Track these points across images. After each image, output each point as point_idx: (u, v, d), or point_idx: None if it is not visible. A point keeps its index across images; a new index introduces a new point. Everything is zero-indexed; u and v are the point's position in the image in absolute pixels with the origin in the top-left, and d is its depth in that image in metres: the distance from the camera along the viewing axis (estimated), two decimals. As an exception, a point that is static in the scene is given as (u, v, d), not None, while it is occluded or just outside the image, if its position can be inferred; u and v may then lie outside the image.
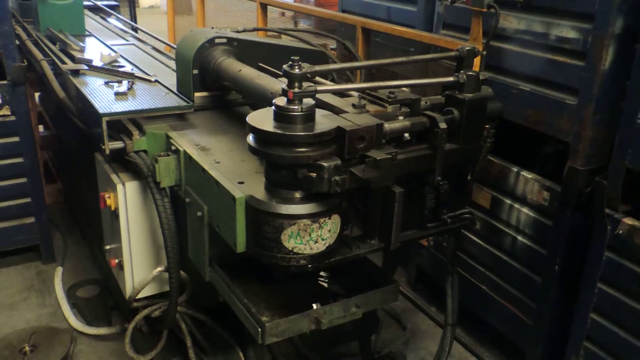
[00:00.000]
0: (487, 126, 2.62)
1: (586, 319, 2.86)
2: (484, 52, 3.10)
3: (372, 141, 2.12)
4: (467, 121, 2.37)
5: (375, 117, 2.22)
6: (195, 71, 2.99)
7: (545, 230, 3.07)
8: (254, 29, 3.64)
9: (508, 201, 3.25)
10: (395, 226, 2.28)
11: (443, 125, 2.29)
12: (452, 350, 3.51)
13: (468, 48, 2.53)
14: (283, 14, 8.26)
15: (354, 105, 2.30)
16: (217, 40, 2.98)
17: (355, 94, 2.51)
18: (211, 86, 3.06)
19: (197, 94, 3.06)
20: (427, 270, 4.00)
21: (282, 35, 4.17)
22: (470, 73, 2.39)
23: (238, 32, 3.19)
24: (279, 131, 2.03)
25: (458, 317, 2.95)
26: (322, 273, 2.86)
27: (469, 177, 2.62)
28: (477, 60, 3.09)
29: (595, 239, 2.79)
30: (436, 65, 3.63)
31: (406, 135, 2.34)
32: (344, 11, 4.68)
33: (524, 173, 3.14)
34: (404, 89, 2.55)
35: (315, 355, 3.33)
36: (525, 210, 3.17)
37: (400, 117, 2.38)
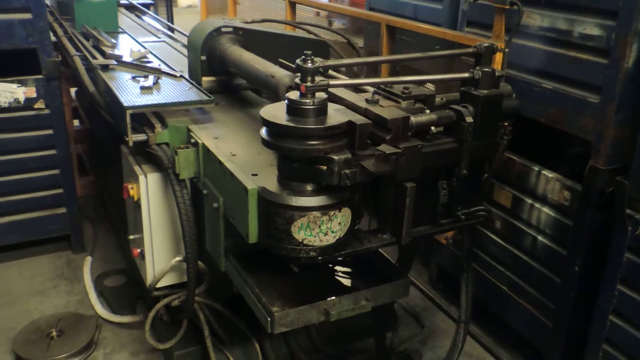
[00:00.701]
0: (505, 124, 2.61)
1: (605, 321, 2.82)
2: (507, 50, 3.07)
3: (398, 134, 2.15)
4: (482, 117, 2.36)
5: (403, 110, 2.25)
6: (203, 57, 3.19)
7: (566, 230, 3.03)
8: (262, 20, 3.92)
9: (529, 201, 3.22)
10: (406, 221, 2.29)
11: (469, 119, 2.31)
12: (471, 350, 3.51)
13: (486, 45, 2.51)
14: (318, 14, 8.33)
15: (367, 100, 2.32)
16: (223, 29, 3.19)
17: (370, 89, 2.52)
18: (217, 71, 3.27)
19: (204, 78, 3.26)
20: (449, 269, 3.99)
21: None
22: (486, 69, 2.38)
23: (247, 23, 3.27)
24: (290, 124, 2.06)
25: (472, 315, 2.93)
26: (339, 268, 2.89)
27: (485, 174, 2.61)
28: (499, 58, 3.07)
29: (615, 240, 2.75)
30: (462, 63, 3.62)
31: (433, 128, 2.35)
32: (371, 9, 4.69)
33: (545, 172, 3.11)
34: (428, 85, 2.56)
35: (331, 349, 3.36)
36: (545, 209, 3.13)
37: (427, 111, 2.40)
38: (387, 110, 2.25)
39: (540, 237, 3.19)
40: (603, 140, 2.79)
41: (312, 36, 3.56)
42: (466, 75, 2.40)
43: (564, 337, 3.11)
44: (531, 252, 3.26)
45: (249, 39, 3.22)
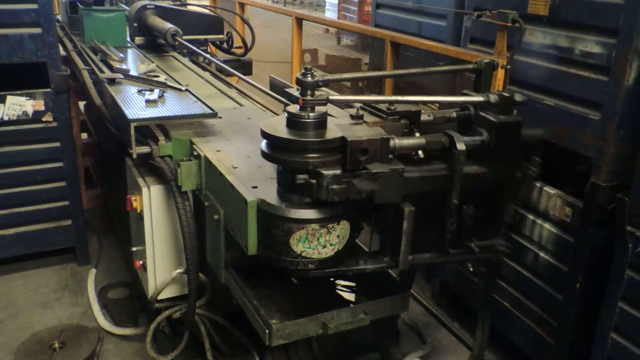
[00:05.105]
0: (534, 157, 2.45)
1: (607, 338, 2.79)
2: (509, 67, 3.10)
3: (375, 155, 2.10)
4: (497, 144, 2.28)
5: (385, 131, 2.22)
6: (135, 24, 4.75)
7: (567, 247, 3.02)
8: (182, 4, 5.55)
9: (531, 217, 3.22)
10: (404, 246, 2.23)
11: (461, 147, 2.17)
12: (473, 367, 3.47)
13: (486, 61, 2.54)
14: (327, 30, 8.45)
15: (351, 116, 2.33)
16: (148, 7, 4.73)
17: (357, 105, 2.54)
18: (145, 33, 4.79)
19: (137, 38, 4.78)
20: (452, 285, 3.97)
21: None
22: (504, 94, 2.34)
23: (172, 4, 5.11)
24: (282, 136, 2.09)
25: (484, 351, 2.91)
26: (339, 281, 2.90)
27: (505, 204, 2.44)
28: (501, 74, 3.10)
29: (616, 257, 2.74)
30: (465, 79, 3.64)
31: (420, 153, 2.27)
32: (377, 26, 4.74)
33: (547, 189, 3.11)
34: (438, 105, 2.50)
35: (333, 364, 3.34)
36: (547, 226, 3.13)
37: (417, 134, 2.38)
38: (370, 129, 2.21)
39: (541, 254, 3.18)
40: (604, 157, 2.79)
41: (209, 13, 5.18)
42: (481, 98, 2.35)
43: (565, 354, 3.08)
44: (533, 269, 3.25)
45: (164, 12, 4.76)
